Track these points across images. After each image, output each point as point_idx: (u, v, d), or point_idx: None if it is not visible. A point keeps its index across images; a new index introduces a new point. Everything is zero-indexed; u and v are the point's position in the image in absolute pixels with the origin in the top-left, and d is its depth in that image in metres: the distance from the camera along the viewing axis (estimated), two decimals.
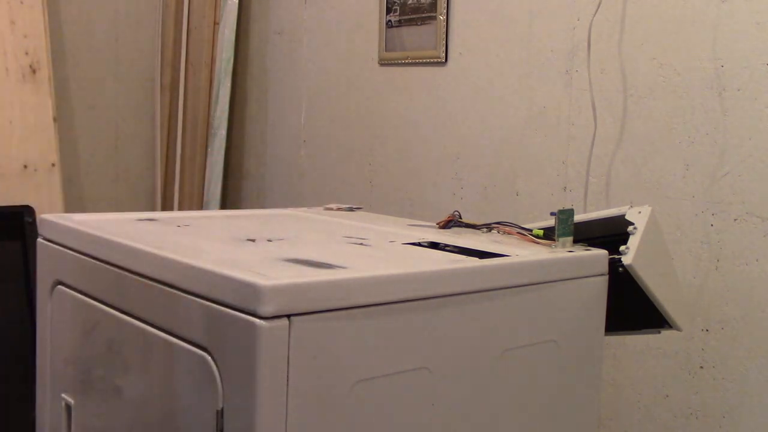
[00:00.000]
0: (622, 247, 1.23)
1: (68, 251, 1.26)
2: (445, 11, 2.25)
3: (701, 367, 1.74)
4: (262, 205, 2.94)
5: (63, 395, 1.26)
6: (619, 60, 1.87)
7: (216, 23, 2.98)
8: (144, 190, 3.10)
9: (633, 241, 1.23)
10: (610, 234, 1.30)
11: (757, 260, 1.65)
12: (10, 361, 2.17)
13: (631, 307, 1.31)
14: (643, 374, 1.84)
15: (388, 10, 2.43)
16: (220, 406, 0.92)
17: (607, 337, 1.30)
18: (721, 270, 1.70)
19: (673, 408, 1.79)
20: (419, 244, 1.27)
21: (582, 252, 1.23)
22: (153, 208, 3.07)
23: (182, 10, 2.99)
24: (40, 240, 1.34)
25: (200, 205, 3.01)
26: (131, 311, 1.10)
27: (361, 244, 1.26)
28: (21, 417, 1.99)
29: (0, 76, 2.44)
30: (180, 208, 2.99)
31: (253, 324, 0.88)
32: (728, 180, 1.69)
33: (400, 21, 2.39)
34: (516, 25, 2.09)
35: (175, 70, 3.00)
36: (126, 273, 1.11)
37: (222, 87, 2.96)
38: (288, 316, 0.89)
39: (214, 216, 1.57)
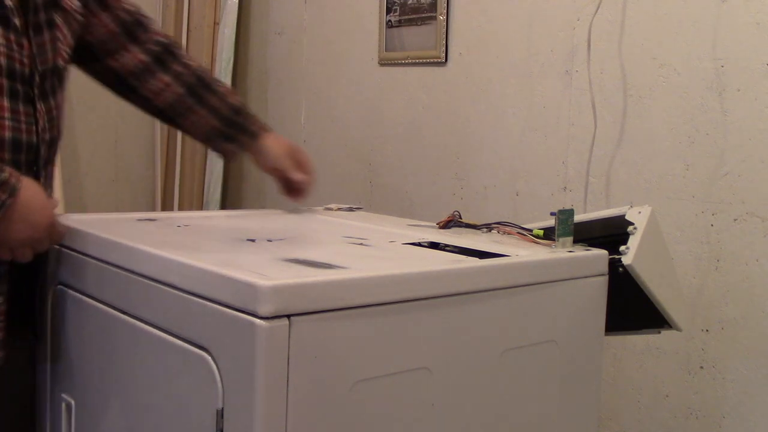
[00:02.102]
0: (622, 247, 1.23)
1: (68, 251, 1.26)
2: (445, 11, 2.25)
3: (701, 367, 1.74)
4: (262, 205, 2.95)
5: (63, 395, 1.26)
6: (619, 60, 1.87)
7: (216, 23, 2.98)
8: (144, 190, 3.10)
9: (633, 241, 1.23)
10: (610, 234, 1.30)
11: (757, 260, 1.65)
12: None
13: (631, 307, 1.31)
14: (643, 374, 1.84)
15: (388, 10, 2.43)
16: (220, 405, 0.92)
17: (607, 337, 1.30)
18: (721, 270, 1.70)
19: (673, 408, 1.79)
20: (419, 244, 1.27)
21: (582, 252, 1.23)
22: (153, 208, 3.08)
23: (182, 10, 2.99)
24: None
25: (200, 205, 3.01)
26: (131, 311, 1.10)
27: (361, 244, 1.26)
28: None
29: None
30: (180, 208, 2.99)
31: (252, 324, 0.88)
32: (728, 180, 1.69)
33: (400, 21, 2.39)
34: (516, 25, 2.09)
35: None
36: (126, 273, 1.11)
37: None
38: (288, 316, 0.89)
39: (214, 216, 1.57)
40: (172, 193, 3.01)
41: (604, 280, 1.24)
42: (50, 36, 1.28)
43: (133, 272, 1.09)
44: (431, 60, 2.30)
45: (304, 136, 2.77)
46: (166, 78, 1.50)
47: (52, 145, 1.33)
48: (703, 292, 1.73)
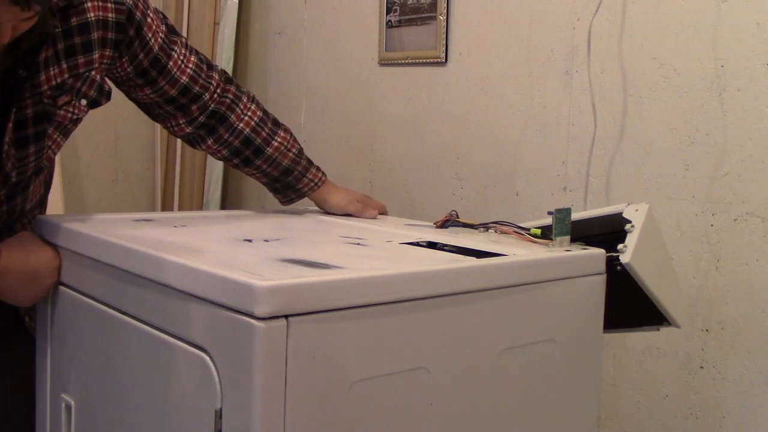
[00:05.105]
0: (619, 246, 1.23)
1: (68, 251, 1.26)
2: (445, 11, 2.25)
3: (701, 367, 1.74)
4: (262, 205, 2.95)
5: (63, 395, 1.27)
6: (619, 60, 1.87)
7: (216, 23, 2.98)
8: (144, 190, 3.10)
9: (630, 239, 1.23)
10: (608, 232, 1.30)
11: (757, 260, 1.65)
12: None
13: (629, 305, 1.31)
14: (643, 374, 1.84)
15: (388, 10, 2.43)
16: (219, 406, 0.93)
17: (607, 337, 1.30)
18: (721, 270, 1.70)
19: (673, 408, 1.79)
20: (417, 244, 1.27)
21: (579, 251, 1.23)
22: (153, 208, 3.08)
23: (182, 10, 2.99)
24: None
25: (200, 206, 3.01)
26: (130, 312, 1.10)
27: (359, 244, 1.26)
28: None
29: None
30: (180, 208, 3.00)
31: (250, 325, 0.88)
32: (728, 180, 1.69)
33: (400, 21, 2.39)
34: (516, 25, 2.09)
35: None
36: (125, 274, 1.11)
37: None
38: (285, 317, 0.89)
39: (212, 216, 1.57)
40: (172, 193, 3.01)
41: (602, 279, 1.24)
42: (36, 148, 1.29)
43: (131, 273, 1.10)
44: (431, 60, 2.30)
45: (304, 136, 2.77)
46: (210, 142, 1.54)
47: (9, 230, 1.37)
48: (703, 292, 1.73)
